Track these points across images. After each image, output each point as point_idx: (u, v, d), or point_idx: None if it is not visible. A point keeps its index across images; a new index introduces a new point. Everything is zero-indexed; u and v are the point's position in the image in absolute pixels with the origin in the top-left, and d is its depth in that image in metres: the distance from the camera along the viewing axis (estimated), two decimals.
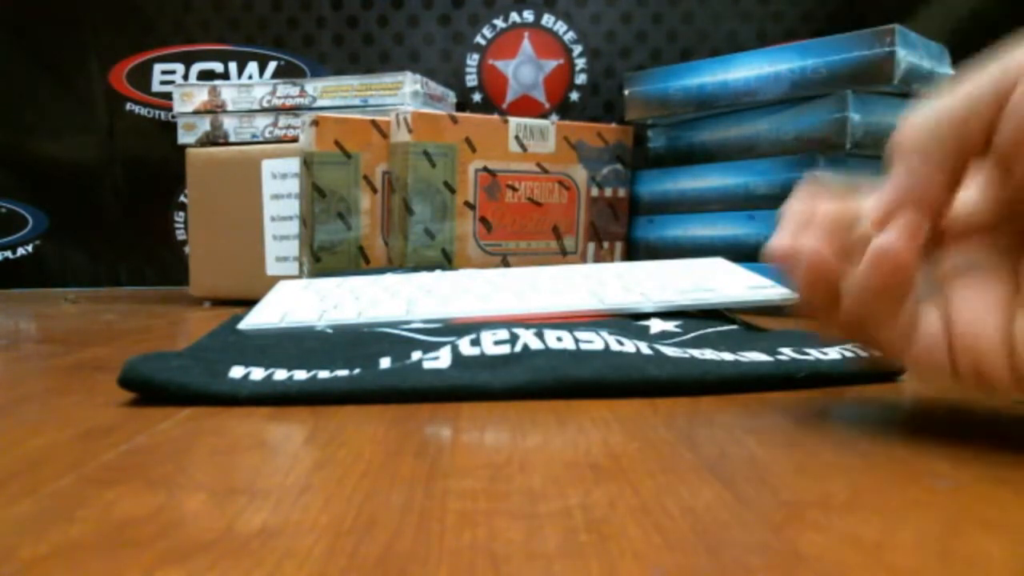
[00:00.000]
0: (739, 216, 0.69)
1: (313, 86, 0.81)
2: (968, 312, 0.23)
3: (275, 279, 0.68)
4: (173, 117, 0.84)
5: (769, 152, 0.68)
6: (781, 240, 0.27)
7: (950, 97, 0.24)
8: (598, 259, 0.77)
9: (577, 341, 0.35)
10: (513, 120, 0.71)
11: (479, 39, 0.96)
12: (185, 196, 0.89)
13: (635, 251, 0.79)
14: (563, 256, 0.75)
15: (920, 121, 0.24)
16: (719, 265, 0.56)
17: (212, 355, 0.37)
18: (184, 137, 0.83)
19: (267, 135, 0.82)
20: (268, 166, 0.75)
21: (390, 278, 0.55)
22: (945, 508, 0.20)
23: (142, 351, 0.35)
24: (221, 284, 0.77)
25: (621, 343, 0.36)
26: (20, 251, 1.01)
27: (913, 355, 0.24)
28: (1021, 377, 0.22)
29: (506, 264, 0.72)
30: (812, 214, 0.26)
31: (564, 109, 0.97)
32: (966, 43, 0.81)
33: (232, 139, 0.82)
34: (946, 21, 0.89)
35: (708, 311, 0.47)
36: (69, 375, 0.41)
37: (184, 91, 0.83)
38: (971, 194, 0.26)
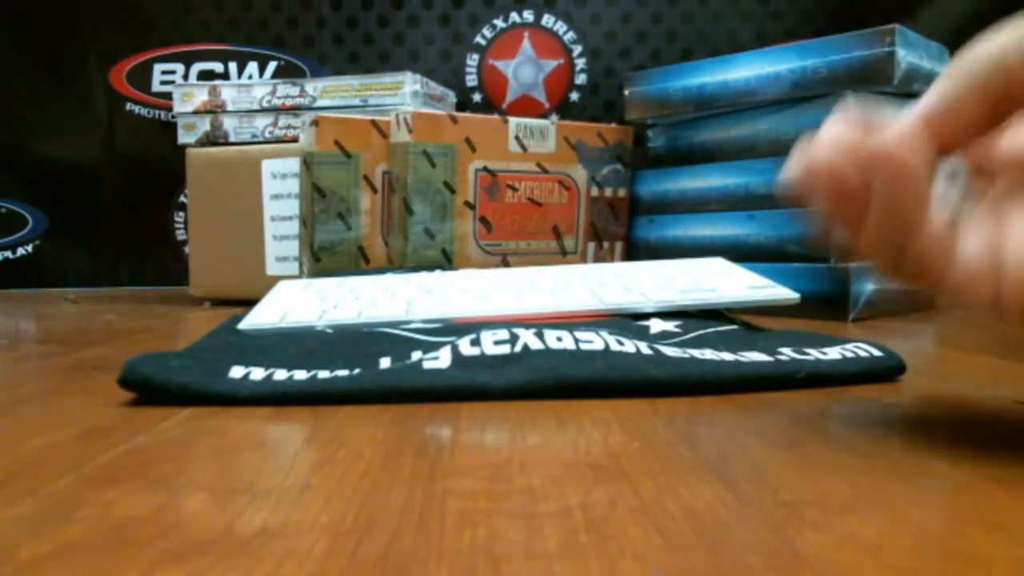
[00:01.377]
0: (739, 216, 0.69)
1: (313, 86, 0.81)
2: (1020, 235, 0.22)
3: (275, 279, 0.68)
4: (173, 117, 0.84)
5: (769, 152, 0.68)
6: (798, 160, 0.26)
7: (1005, 33, 0.23)
8: (598, 259, 0.77)
9: (577, 341, 0.35)
10: (513, 120, 0.71)
11: (479, 39, 0.96)
12: (185, 196, 0.89)
13: (635, 251, 0.79)
14: (563, 256, 0.75)
15: (969, 52, 0.23)
16: (719, 265, 0.56)
17: (212, 355, 0.37)
18: (184, 137, 0.83)
19: (267, 135, 0.82)
20: (268, 166, 0.75)
21: (390, 278, 0.55)
22: (945, 508, 0.20)
23: (142, 351, 0.35)
24: (221, 284, 0.77)
25: (621, 343, 0.36)
26: (20, 251, 1.01)
27: (953, 278, 0.23)
28: None
29: (506, 264, 0.72)
30: (831, 138, 0.26)
31: (564, 109, 0.97)
32: (966, 43, 0.81)
33: (232, 139, 0.82)
34: (946, 21, 0.89)
35: (708, 311, 0.47)
36: (69, 375, 0.41)
37: (184, 91, 0.83)
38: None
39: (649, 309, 0.47)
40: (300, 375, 0.34)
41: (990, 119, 0.23)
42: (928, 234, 0.23)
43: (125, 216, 1.01)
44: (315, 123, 0.66)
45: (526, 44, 0.96)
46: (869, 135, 0.24)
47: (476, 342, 0.36)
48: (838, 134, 0.25)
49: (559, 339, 0.36)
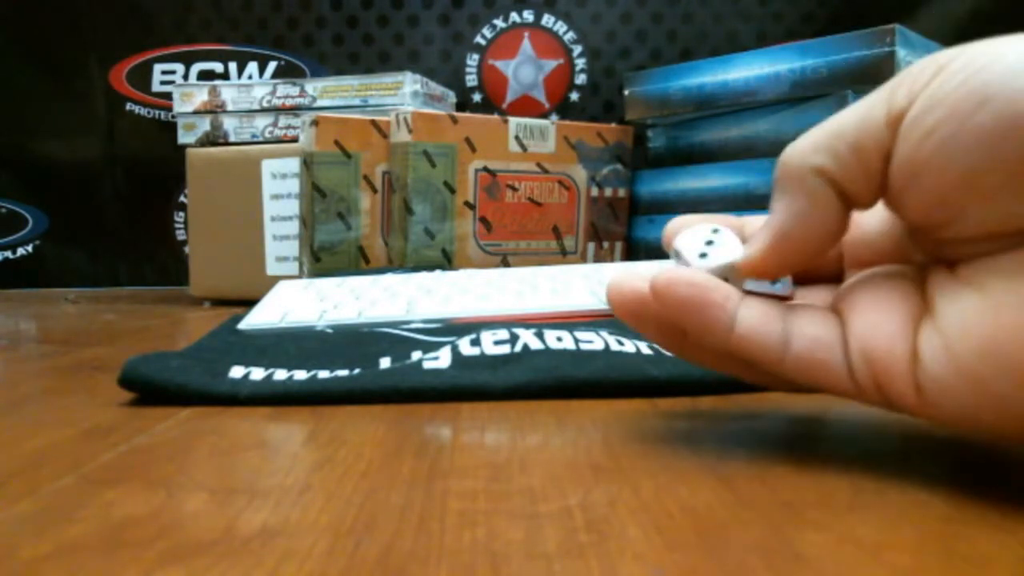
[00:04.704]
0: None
1: (313, 86, 0.81)
2: (868, 317, 0.21)
3: (275, 279, 0.68)
4: (173, 117, 0.84)
5: (769, 152, 0.68)
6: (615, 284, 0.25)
7: (840, 117, 0.21)
8: (598, 259, 0.77)
9: (577, 341, 0.35)
10: (513, 120, 0.71)
11: (479, 39, 0.96)
12: (185, 196, 0.89)
13: (635, 251, 0.79)
14: (563, 256, 0.75)
15: (804, 144, 0.21)
16: None
17: (212, 355, 0.37)
18: (184, 137, 0.83)
19: (267, 135, 0.82)
20: (268, 166, 0.75)
21: (390, 278, 0.55)
22: (945, 508, 0.20)
23: (142, 351, 0.35)
24: (221, 284, 0.77)
25: (621, 343, 0.36)
26: (20, 251, 1.01)
27: (792, 362, 0.22)
28: (925, 398, 0.20)
29: (506, 264, 0.72)
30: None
31: (564, 109, 0.97)
32: (966, 43, 0.81)
33: (232, 139, 0.82)
34: (946, 21, 0.89)
35: None
36: (69, 375, 0.41)
37: (184, 91, 0.83)
38: (871, 221, 0.24)
39: None
40: (300, 375, 0.34)
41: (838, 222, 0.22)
42: (740, 331, 0.22)
43: (125, 216, 1.01)
44: (315, 123, 0.66)
45: (526, 44, 0.96)
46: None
47: (476, 342, 0.36)
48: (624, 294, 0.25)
49: (559, 339, 0.36)
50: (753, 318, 0.22)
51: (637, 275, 0.25)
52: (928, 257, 0.22)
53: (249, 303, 0.54)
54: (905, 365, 0.20)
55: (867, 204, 0.21)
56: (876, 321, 0.21)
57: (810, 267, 0.24)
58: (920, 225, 0.21)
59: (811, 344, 0.22)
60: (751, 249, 0.23)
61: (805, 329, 0.22)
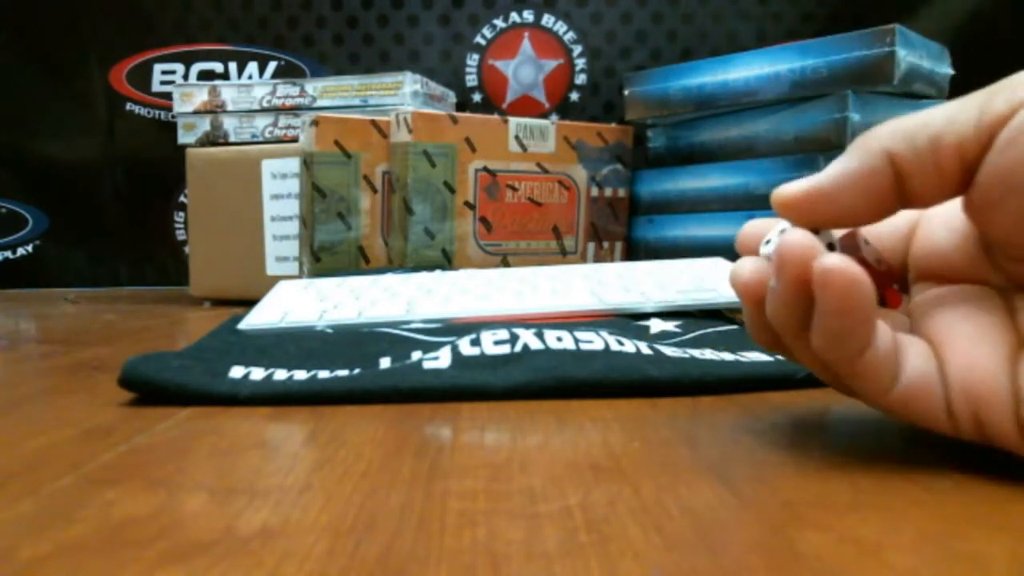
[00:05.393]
0: (739, 216, 0.68)
1: (313, 86, 0.81)
2: (967, 353, 0.21)
3: (275, 279, 0.68)
4: (173, 117, 0.84)
5: (769, 152, 0.68)
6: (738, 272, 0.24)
7: (929, 112, 0.21)
8: (598, 259, 0.77)
9: (577, 341, 0.35)
10: (513, 120, 0.71)
11: (479, 39, 0.96)
12: (185, 196, 0.89)
13: (635, 251, 0.79)
14: (563, 256, 0.75)
15: (885, 128, 0.21)
16: (719, 265, 0.56)
17: (212, 355, 0.37)
18: (184, 137, 0.83)
19: (267, 135, 0.82)
20: (268, 166, 0.75)
21: (390, 278, 0.55)
22: (945, 508, 0.20)
23: (142, 351, 0.35)
24: (221, 284, 0.77)
25: (621, 343, 0.36)
26: (20, 251, 1.01)
27: (897, 396, 0.21)
28: None
29: (506, 264, 0.72)
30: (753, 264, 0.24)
31: (564, 109, 0.97)
32: (966, 43, 0.81)
33: (232, 139, 0.82)
34: (946, 21, 0.89)
35: (708, 311, 0.47)
36: (69, 375, 0.41)
37: (184, 91, 0.83)
38: (942, 232, 0.24)
39: (649, 309, 0.47)
40: (300, 375, 0.34)
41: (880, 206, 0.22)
42: (872, 354, 0.21)
43: (125, 216, 1.01)
44: (315, 123, 0.66)
45: (526, 44, 0.96)
46: (805, 250, 0.21)
47: (476, 342, 0.36)
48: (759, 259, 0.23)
49: (559, 339, 0.36)
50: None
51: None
52: (1005, 276, 0.22)
53: (249, 303, 0.54)
54: (1008, 404, 0.20)
55: (927, 202, 0.21)
56: (975, 358, 0.21)
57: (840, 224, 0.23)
58: (1004, 243, 0.21)
59: (919, 379, 0.21)
60: (786, 185, 0.22)
61: (915, 362, 0.22)
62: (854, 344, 0.21)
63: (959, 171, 0.20)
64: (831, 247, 0.23)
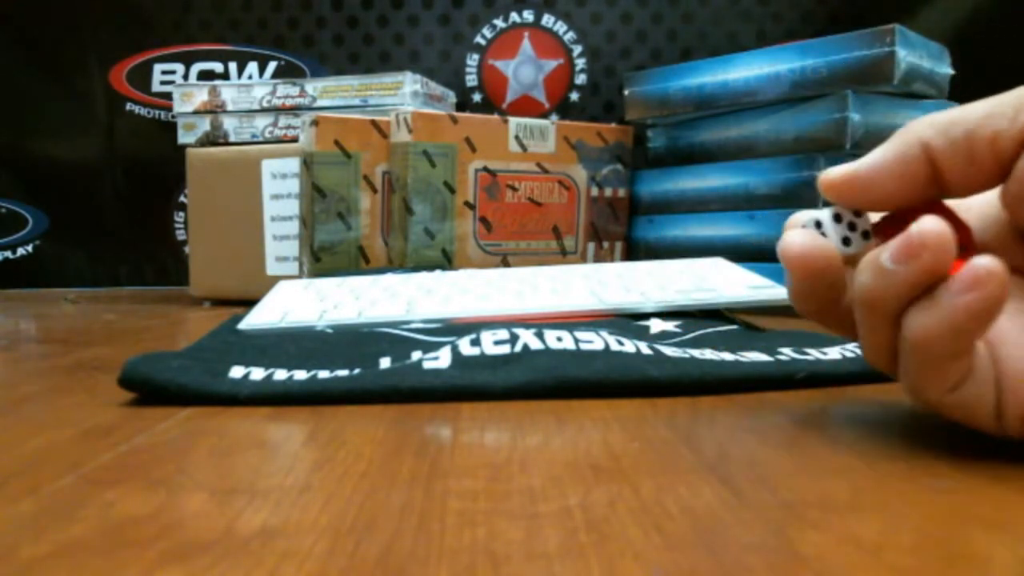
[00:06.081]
0: (739, 216, 0.69)
1: (313, 86, 0.81)
2: (1019, 354, 0.21)
3: (275, 279, 0.68)
4: (173, 117, 0.84)
5: (769, 152, 0.68)
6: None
7: (968, 106, 0.22)
8: (598, 259, 0.77)
9: (577, 341, 0.35)
10: (513, 120, 0.71)
11: (479, 39, 0.96)
12: (185, 196, 0.89)
13: (635, 251, 0.79)
14: (563, 256, 0.75)
15: (925, 120, 0.22)
16: (719, 265, 0.56)
17: (212, 355, 0.37)
18: (184, 137, 0.83)
19: (267, 135, 0.82)
20: (268, 166, 0.75)
21: (390, 278, 0.55)
22: (945, 508, 0.20)
23: (142, 351, 0.35)
24: (221, 284, 0.77)
25: (621, 343, 0.36)
26: (20, 251, 1.01)
27: (958, 397, 0.22)
28: None
29: (506, 264, 0.72)
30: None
31: (564, 109, 0.97)
32: (966, 43, 0.81)
33: (232, 139, 0.82)
34: (946, 21, 0.89)
35: (708, 311, 0.47)
36: (69, 375, 0.41)
37: (184, 91, 0.83)
38: (980, 224, 0.24)
39: (649, 309, 0.47)
40: (300, 375, 0.34)
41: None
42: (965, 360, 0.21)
43: (125, 216, 1.01)
44: (315, 123, 0.66)
45: (526, 44, 0.96)
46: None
47: (476, 342, 0.36)
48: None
49: (559, 339, 0.36)
50: None
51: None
52: None
53: (249, 303, 0.54)
54: None
55: (962, 192, 0.22)
56: None
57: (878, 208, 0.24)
58: None
59: (983, 383, 0.22)
60: (831, 168, 0.24)
61: (981, 364, 0.22)
62: (967, 343, 0.21)
63: (993, 164, 0.21)
64: (865, 235, 0.24)
